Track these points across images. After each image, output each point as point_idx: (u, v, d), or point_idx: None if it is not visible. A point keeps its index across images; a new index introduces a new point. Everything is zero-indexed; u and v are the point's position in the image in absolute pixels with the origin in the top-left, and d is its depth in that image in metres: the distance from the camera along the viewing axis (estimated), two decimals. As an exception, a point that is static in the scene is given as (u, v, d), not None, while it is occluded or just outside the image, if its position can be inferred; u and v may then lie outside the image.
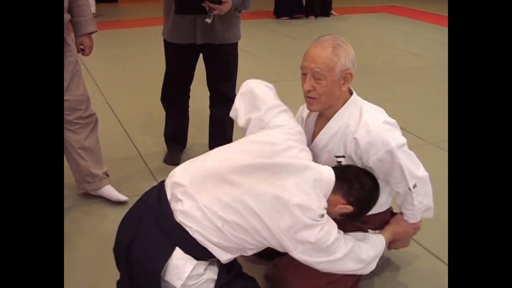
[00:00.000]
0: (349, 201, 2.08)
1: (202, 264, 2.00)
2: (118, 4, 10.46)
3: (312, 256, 2.02)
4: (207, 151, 3.57)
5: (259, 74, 6.05)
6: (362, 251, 2.14)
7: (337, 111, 2.25)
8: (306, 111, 2.42)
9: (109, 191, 3.18)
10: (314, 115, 2.38)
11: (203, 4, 2.97)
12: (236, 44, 3.38)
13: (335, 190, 2.05)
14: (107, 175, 3.20)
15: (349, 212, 2.10)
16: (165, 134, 3.73)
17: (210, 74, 3.47)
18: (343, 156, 2.25)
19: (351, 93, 2.29)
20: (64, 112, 2.89)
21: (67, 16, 2.83)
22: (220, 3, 2.99)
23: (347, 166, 2.21)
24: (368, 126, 2.18)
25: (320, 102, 2.20)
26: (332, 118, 2.26)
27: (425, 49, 7.08)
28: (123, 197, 3.15)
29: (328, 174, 2.05)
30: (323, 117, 2.32)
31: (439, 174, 3.58)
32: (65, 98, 2.85)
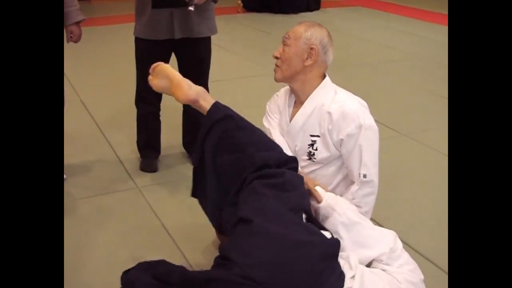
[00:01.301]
0: None
1: None
2: (91, 2, 10.37)
3: None
4: (181, 151, 3.63)
5: (234, 69, 6.07)
6: None
7: (310, 93, 2.35)
8: (281, 98, 2.49)
9: None
10: (290, 100, 2.45)
11: None
12: (210, 38, 3.35)
13: None
14: None
15: None
16: (138, 142, 3.57)
17: (185, 70, 3.33)
18: (318, 136, 2.32)
19: (324, 78, 2.38)
20: None
21: None
22: None
23: None
24: (342, 101, 2.29)
25: (280, 70, 2.34)
26: (307, 100, 2.35)
27: (399, 42, 7.14)
28: None
29: None
30: (298, 102, 2.41)
31: (412, 164, 3.65)
32: None
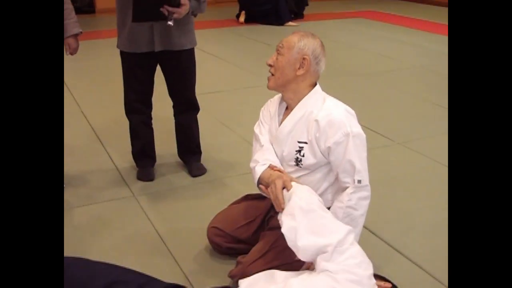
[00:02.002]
0: None
1: None
2: (96, 15, 10.49)
3: None
4: (177, 161, 3.68)
5: (232, 80, 6.14)
6: None
7: (300, 100, 2.40)
8: (273, 105, 2.55)
9: None
10: (281, 107, 2.51)
11: (161, 9, 2.96)
12: (193, 50, 3.37)
13: None
14: None
15: None
16: (133, 151, 3.61)
17: (171, 82, 3.42)
18: (306, 142, 2.36)
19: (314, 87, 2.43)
20: None
21: None
22: (179, 6, 2.99)
23: None
24: (330, 110, 2.34)
25: (274, 79, 2.39)
26: (296, 107, 2.40)
27: (398, 52, 7.19)
28: None
29: None
30: (289, 109, 2.46)
31: (407, 172, 3.68)
32: None
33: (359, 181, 2.32)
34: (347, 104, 2.44)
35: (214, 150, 3.95)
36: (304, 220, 2.07)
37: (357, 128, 2.33)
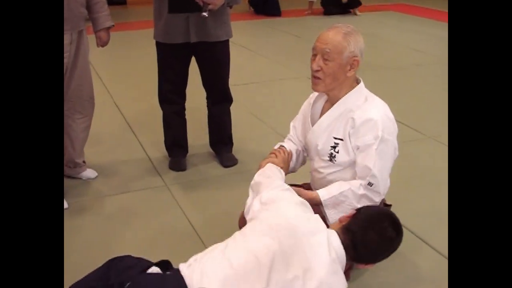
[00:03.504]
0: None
1: None
2: (127, 7, 10.59)
3: None
4: (209, 151, 3.72)
5: (261, 72, 6.15)
6: None
7: (342, 96, 2.35)
8: (314, 97, 2.54)
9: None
10: (322, 100, 2.49)
11: (196, 0, 2.99)
12: (227, 42, 3.40)
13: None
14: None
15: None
16: (165, 142, 3.66)
17: (206, 73, 3.46)
18: (341, 139, 2.34)
19: (358, 83, 2.39)
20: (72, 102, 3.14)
21: (84, 12, 3.05)
22: None
23: (353, 224, 2.09)
24: (368, 110, 2.29)
25: (324, 83, 2.31)
26: (337, 103, 2.36)
27: (429, 46, 7.14)
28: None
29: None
30: (329, 102, 2.43)
31: (438, 166, 3.66)
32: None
33: (370, 184, 2.26)
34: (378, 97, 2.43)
35: (244, 141, 3.98)
36: (252, 196, 2.32)
37: (389, 135, 2.27)
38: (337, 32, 2.27)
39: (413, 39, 7.56)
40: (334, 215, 2.30)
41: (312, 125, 2.46)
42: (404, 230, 2.70)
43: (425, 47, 7.08)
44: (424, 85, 5.50)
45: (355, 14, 9.48)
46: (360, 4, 9.51)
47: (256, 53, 6.64)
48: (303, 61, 6.59)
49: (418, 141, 4.04)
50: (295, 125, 2.64)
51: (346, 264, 2.20)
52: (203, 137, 3.83)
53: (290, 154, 2.56)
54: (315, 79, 2.33)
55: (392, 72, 5.96)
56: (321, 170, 2.44)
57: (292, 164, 2.59)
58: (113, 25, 3.28)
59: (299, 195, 2.28)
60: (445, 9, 9.79)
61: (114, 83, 5.47)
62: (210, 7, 3.05)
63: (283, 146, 2.61)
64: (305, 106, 2.60)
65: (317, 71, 2.30)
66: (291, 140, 2.65)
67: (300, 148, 2.62)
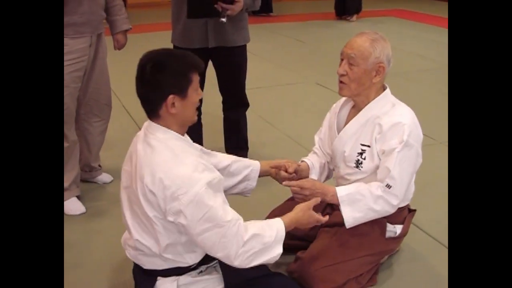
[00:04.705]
0: None
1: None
2: (128, 10, 10.56)
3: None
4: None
5: (269, 77, 6.15)
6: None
7: (369, 102, 2.38)
8: (337, 107, 2.57)
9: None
10: (348, 107, 2.52)
11: (215, 6, 3.01)
12: (245, 47, 3.42)
13: None
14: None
15: None
16: None
17: (223, 78, 3.47)
18: (368, 146, 2.36)
19: (384, 89, 2.42)
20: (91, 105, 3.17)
21: (104, 14, 3.07)
22: (232, 2, 3.04)
23: None
24: (396, 116, 2.32)
25: (349, 88, 2.35)
26: (363, 109, 2.39)
27: (431, 51, 7.19)
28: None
29: None
30: (355, 108, 2.46)
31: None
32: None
33: (388, 186, 2.26)
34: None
35: (258, 146, 4.00)
36: None
37: (414, 141, 2.30)
38: (365, 38, 2.31)
39: (415, 45, 7.61)
40: (349, 213, 2.31)
41: (338, 133, 2.47)
42: (424, 235, 2.74)
43: (428, 53, 7.13)
44: (429, 90, 5.54)
45: (347, 20, 9.45)
46: (357, 11, 9.55)
47: (261, 58, 6.66)
48: (309, 66, 6.72)
49: (429, 147, 4.05)
50: (321, 137, 2.65)
51: (374, 267, 2.23)
52: (219, 141, 3.83)
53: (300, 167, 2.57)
54: (341, 83, 2.37)
55: (394, 78, 5.92)
56: (347, 177, 2.46)
57: (315, 176, 2.58)
58: (131, 28, 3.29)
59: (316, 188, 2.31)
60: (445, 15, 9.85)
61: (123, 87, 5.45)
62: (228, 12, 3.07)
63: (304, 161, 2.62)
64: (329, 116, 2.62)
65: (343, 75, 2.34)
66: (316, 153, 2.66)
67: (324, 161, 2.63)
